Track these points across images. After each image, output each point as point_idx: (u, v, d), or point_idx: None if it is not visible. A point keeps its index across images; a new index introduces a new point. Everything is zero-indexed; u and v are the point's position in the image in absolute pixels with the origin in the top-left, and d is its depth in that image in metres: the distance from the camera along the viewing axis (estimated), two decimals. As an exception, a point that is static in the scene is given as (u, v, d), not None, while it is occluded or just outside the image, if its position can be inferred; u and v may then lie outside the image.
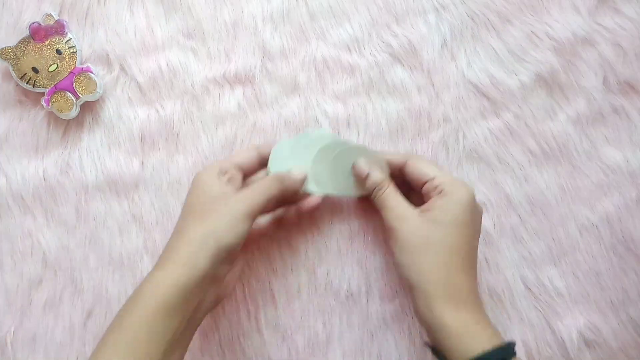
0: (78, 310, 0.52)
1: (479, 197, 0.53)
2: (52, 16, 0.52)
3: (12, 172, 0.53)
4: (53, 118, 0.54)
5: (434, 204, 0.44)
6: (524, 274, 0.53)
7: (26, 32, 0.52)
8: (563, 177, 0.53)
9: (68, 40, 0.53)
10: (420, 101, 0.54)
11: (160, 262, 0.42)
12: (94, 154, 0.54)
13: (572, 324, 0.52)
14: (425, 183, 0.46)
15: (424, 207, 0.45)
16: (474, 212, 0.44)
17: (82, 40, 0.54)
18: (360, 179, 0.48)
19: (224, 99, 0.54)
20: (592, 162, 0.54)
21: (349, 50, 0.54)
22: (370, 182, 0.47)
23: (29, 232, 0.53)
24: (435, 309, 0.41)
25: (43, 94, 0.52)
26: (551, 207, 0.53)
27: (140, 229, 0.53)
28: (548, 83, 0.54)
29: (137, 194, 0.53)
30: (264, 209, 0.44)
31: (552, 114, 0.54)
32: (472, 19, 0.54)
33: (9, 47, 0.52)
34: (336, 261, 0.53)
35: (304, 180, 0.48)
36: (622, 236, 0.53)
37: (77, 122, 0.54)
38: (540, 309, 0.52)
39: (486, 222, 0.53)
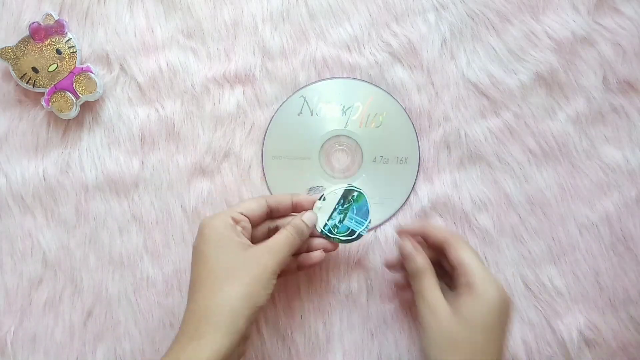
0: (78, 310, 0.52)
1: (479, 196, 0.53)
2: (52, 16, 0.52)
3: (12, 172, 0.53)
4: (53, 118, 0.54)
5: (464, 300, 0.43)
6: (523, 273, 0.53)
7: (26, 32, 0.52)
8: (563, 176, 0.53)
9: (68, 40, 0.53)
10: (420, 100, 0.54)
11: (193, 327, 0.40)
12: (94, 154, 0.54)
13: (572, 323, 0.52)
14: (457, 266, 0.45)
15: (454, 299, 0.44)
16: (503, 313, 0.43)
17: (82, 40, 0.54)
18: (402, 257, 0.48)
19: (223, 98, 0.54)
20: (592, 162, 0.54)
21: (349, 49, 0.54)
22: (411, 266, 0.46)
23: (29, 232, 0.53)
24: None
25: (43, 94, 0.52)
26: (551, 206, 0.53)
27: (140, 229, 0.53)
28: (548, 82, 0.54)
29: (137, 194, 0.53)
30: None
31: (551, 113, 0.54)
32: (472, 19, 0.54)
33: (9, 47, 0.52)
34: (336, 261, 0.53)
35: (314, 223, 0.47)
36: (622, 235, 0.53)
37: (77, 122, 0.54)
38: (540, 308, 0.52)
39: (486, 221, 0.53)
